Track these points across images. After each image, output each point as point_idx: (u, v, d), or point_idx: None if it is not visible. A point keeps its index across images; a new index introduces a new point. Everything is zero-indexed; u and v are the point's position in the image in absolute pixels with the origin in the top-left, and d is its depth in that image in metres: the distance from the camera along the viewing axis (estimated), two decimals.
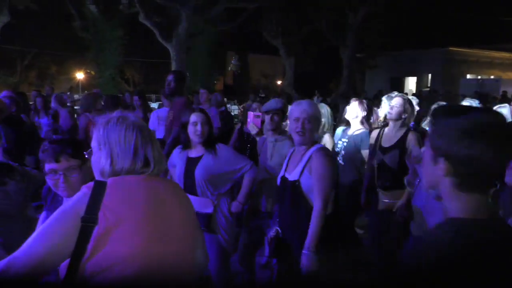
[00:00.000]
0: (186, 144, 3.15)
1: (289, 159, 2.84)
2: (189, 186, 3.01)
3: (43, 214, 2.35)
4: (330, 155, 2.74)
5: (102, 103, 5.32)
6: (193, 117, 3.06)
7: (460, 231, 1.08)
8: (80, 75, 26.45)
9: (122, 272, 1.40)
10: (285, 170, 2.80)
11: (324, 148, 2.75)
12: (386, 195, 3.69)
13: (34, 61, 25.69)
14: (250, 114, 3.93)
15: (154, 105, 13.18)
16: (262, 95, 8.72)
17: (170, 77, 4.60)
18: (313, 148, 2.66)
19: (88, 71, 25.91)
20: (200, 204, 2.97)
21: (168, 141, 4.30)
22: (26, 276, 1.37)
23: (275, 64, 31.29)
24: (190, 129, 3.06)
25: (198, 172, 3.03)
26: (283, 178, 2.77)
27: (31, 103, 7.61)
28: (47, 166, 1.96)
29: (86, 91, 15.90)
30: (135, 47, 23.87)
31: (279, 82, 30.55)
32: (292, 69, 22.55)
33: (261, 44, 23.81)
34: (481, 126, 1.09)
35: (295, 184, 2.63)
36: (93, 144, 1.59)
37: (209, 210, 3.03)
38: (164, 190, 1.59)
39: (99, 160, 1.56)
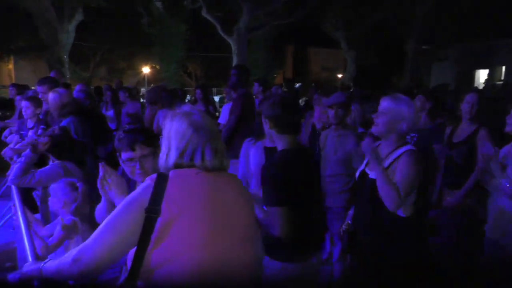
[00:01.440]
0: (261, 134, 3.09)
1: None
2: None
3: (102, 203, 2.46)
4: (421, 161, 2.42)
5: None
6: None
7: (283, 153, 2.33)
8: (146, 70, 27.60)
9: (185, 264, 1.43)
10: (366, 164, 2.63)
11: (415, 152, 2.42)
12: (451, 193, 3.53)
13: (105, 57, 27.12)
14: (317, 108, 3.89)
15: (215, 98, 13.44)
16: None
17: (233, 71, 4.71)
18: (402, 149, 2.42)
19: (154, 65, 26.96)
20: None
21: (224, 132, 4.45)
22: (97, 263, 1.44)
23: (336, 57, 30.74)
24: None
25: None
26: (363, 173, 2.61)
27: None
28: (124, 155, 2.07)
29: (151, 85, 16.52)
30: (197, 42, 24.45)
31: (339, 76, 29.96)
32: (354, 62, 22.01)
33: (322, 37, 23.44)
34: (279, 101, 2.32)
35: (376, 183, 2.42)
36: (163, 135, 1.67)
37: None
38: (224, 184, 1.61)
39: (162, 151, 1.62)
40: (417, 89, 8.75)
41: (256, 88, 5.95)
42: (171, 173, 1.53)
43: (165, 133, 1.63)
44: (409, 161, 2.36)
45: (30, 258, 1.91)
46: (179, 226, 1.44)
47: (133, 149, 2.04)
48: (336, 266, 3.46)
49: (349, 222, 2.70)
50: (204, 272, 1.45)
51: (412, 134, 3.99)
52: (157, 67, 25.75)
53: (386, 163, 2.44)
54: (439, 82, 17.66)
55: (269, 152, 3.07)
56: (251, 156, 3.15)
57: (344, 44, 21.58)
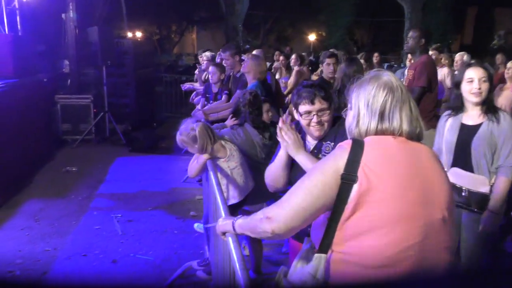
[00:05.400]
0: (458, 107, 2.75)
1: None
2: (461, 159, 2.67)
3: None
4: None
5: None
6: (469, 73, 2.64)
7: None
8: (312, 37, 27.77)
9: (382, 237, 1.36)
10: None
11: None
12: None
13: (274, 25, 28.14)
14: None
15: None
16: None
17: (411, 34, 4.36)
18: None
19: (320, 32, 26.92)
20: (473, 181, 2.63)
21: None
22: (287, 223, 1.44)
23: None
24: (465, 87, 2.65)
25: (475, 144, 2.63)
26: None
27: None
28: (302, 108, 2.18)
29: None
30: (366, 7, 23.44)
31: None
32: None
33: None
34: None
35: None
36: (349, 103, 1.59)
37: (484, 189, 2.61)
38: (423, 155, 1.49)
39: (349, 119, 1.56)
40: None
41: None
42: (366, 139, 1.46)
43: (351, 99, 1.55)
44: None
45: (223, 214, 2.10)
46: (377, 197, 1.37)
47: (312, 103, 2.14)
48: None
49: None
50: (402, 247, 1.36)
51: None
52: (323, 34, 25.63)
53: None
54: None
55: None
56: (445, 131, 2.82)
57: None
